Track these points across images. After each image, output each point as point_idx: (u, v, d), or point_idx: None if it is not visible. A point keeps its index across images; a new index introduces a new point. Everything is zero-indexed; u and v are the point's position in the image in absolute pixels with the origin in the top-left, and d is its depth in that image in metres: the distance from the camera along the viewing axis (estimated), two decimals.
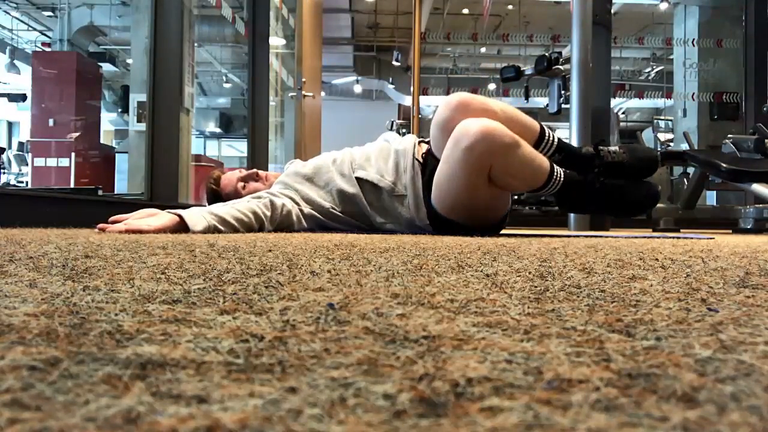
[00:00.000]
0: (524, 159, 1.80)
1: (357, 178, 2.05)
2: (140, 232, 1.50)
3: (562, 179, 1.89)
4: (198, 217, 1.64)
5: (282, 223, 1.95)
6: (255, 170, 2.31)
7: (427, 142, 2.08)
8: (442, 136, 1.91)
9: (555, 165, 1.90)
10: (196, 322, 0.37)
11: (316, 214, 2.07)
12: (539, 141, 1.94)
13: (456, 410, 0.22)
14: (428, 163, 2.01)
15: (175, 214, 1.63)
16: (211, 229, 1.65)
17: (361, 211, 2.08)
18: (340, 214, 2.08)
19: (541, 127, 1.98)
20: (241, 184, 2.23)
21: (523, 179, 1.86)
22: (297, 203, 2.04)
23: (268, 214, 1.88)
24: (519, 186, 1.91)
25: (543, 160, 1.87)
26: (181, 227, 1.62)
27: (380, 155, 2.09)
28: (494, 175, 1.82)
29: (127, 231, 1.50)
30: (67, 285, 0.51)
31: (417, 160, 2.03)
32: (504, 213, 2.05)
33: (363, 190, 2.05)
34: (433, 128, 1.99)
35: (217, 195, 2.25)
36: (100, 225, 1.58)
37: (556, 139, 1.97)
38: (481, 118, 1.80)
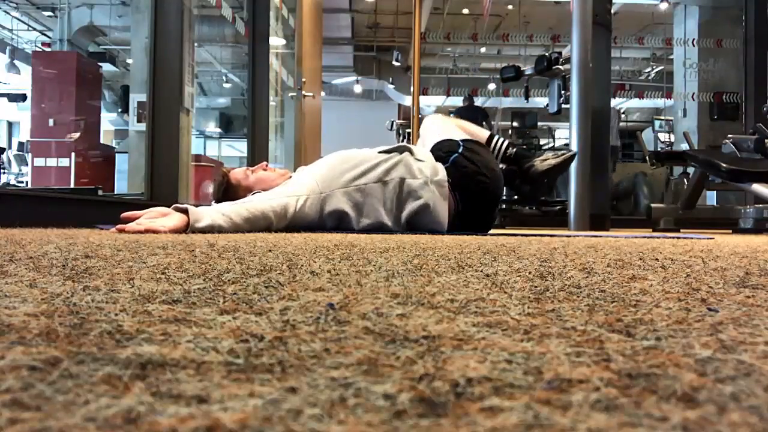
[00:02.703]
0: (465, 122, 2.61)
1: (381, 151, 2.27)
2: (155, 232, 1.53)
3: (504, 142, 2.54)
4: (203, 213, 1.67)
5: (293, 223, 1.97)
6: (265, 162, 2.40)
7: None
8: None
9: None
10: (196, 322, 0.37)
11: (337, 201, 2.11)
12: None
13: (456, 410, 0.22)
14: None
15: (183, 210, 1.65)
16: (215, 228, 1.67)
17: (378, 176, 2.19)
18: (358, 195, 2.15)
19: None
20: (249, 171, 2.32)
21: (471, 125, 2.57)
22: (316, 191, 2.08)
23: (280, 212, 1.91)
24: (472, 128, 2.52)
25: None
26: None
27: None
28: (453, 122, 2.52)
29: (145, 231, 1.53)
30: (67, 285, 0.51)
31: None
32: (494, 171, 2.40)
33: (387, 157, 2.26)
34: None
35: (225, 184, 2.30)
36: (119, 226, 1.60)
37: (504, 142, 2.57)
38: None
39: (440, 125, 2.52)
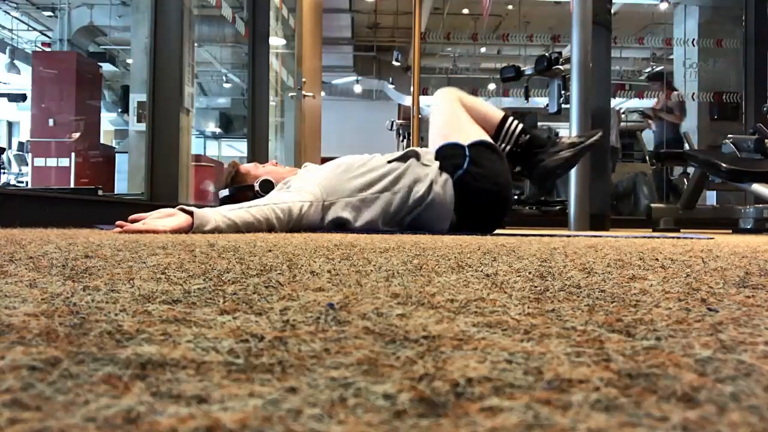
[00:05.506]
0: (478, 99, 2.51)
1: (390, 160, 2.24)
2: (157, 232, 1.54)
3: (518, 126, 2.38)
4: (208, 217, 1.68)
5: (297, 226, 1.99)
6: (274, 161, 2.46)
7: None
8: None
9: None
10: (196, 322, 0.37)
11: (339, 209, 2.11)
12: (500, 125, 2.42)
13: (456, 410, 0.22)
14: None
15: (188, 212, 1.67)
16: (221, 231, 1.69)
17: (385, 186, 2.18)
18: (361, 203, 2.15)
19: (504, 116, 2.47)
20: (260, 165, 2.37)
21: (484, 105, 2.45)
22: (319, 199, 2.09)
23: (283, 218, 1.92)
24: (484, 110, 2.40)
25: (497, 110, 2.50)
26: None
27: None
28: (463, 104, 2.35)
29: (146, 231, 1.54)
30: (67, 285, 0.51)
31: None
32: (504, 180, 2.26)
33: (394, 166, 2.22)
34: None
35: (234, 172, 2.35)
36: (119, 222, 1.61)
37: (518, 126, 2.41)
38: None
39: (447, 118, 2.33)
